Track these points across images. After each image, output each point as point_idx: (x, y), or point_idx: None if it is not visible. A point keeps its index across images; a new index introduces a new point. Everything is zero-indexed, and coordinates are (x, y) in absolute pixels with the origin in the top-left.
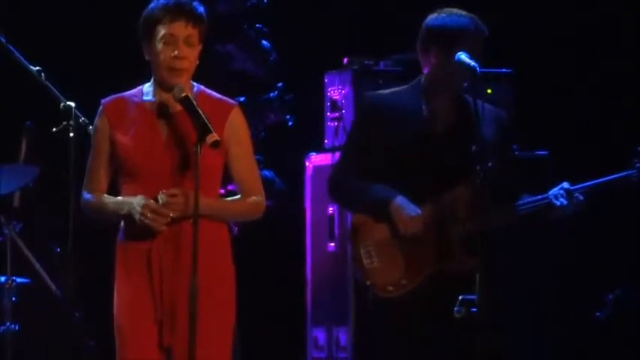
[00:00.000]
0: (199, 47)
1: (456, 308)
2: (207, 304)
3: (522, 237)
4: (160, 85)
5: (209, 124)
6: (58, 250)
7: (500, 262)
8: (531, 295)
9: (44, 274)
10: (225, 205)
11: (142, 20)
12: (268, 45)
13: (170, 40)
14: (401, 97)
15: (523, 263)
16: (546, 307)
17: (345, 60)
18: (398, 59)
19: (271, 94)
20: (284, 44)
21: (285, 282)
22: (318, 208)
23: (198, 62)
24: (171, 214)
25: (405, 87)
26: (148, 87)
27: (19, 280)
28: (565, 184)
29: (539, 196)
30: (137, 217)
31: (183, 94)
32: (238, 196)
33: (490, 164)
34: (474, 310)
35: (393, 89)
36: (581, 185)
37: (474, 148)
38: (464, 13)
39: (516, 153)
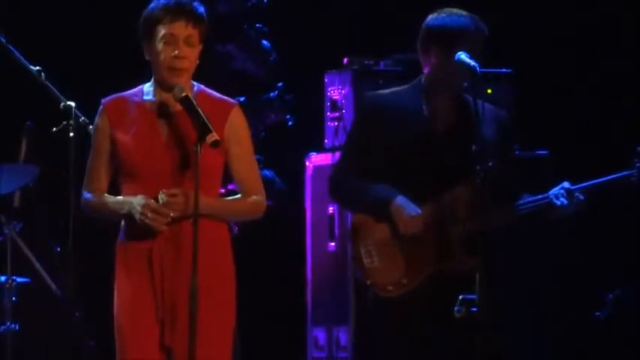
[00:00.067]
0: (199, 47)
1: (456, 308)
2: (208, 304)
3: (522, 237)
4: (161, 85)
5: (209, 124)
6: (58, 249)
7: (500, 261)
8: (531, 295)
9: (44, 274)
10: (226, 205)
11: (142, 20)
12: (268, 45)
13: (170, 40)
14: (401, 97)
15: (523, 263)
16: (546, 306)
17: (345, 60)
18: (398, 59)
19: (271, 94)
20: (284, 44)
21: (285, 282)
22: (318, 208)
23: (198, 62)
24: (171, 214)
25: (405, 87)
26: (148, 87)
27: (19, 279)
28: (565, 184)
29: (540, 196)
30: (137, 216)
31: (184, 94)
32: (239, 196)
33: (490, 164)
34: (474, 309)
35: (393, 89)
36: (581, 185)
37: (474, 147)
38: (464, 13)
39: (516, 153)
